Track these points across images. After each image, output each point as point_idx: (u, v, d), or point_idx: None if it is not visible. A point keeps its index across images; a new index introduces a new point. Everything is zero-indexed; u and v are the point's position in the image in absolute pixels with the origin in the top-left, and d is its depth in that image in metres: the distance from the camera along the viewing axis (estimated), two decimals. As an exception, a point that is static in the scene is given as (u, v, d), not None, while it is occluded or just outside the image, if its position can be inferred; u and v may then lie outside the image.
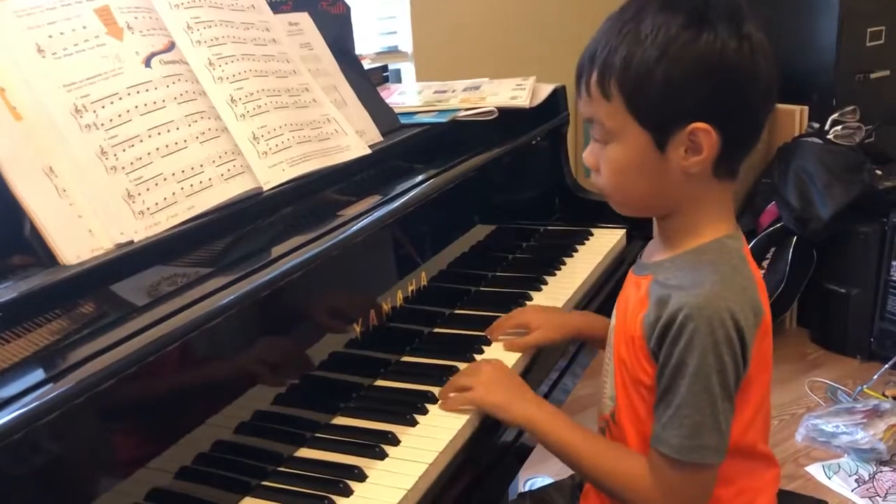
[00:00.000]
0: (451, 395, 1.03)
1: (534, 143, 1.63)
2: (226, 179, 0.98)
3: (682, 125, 0.82)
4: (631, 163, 0.86)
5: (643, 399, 0.90)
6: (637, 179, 0.88)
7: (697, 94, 0.82)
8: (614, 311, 0.98)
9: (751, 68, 0.82)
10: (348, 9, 1.48)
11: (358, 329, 1.08)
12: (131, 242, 0.88)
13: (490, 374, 1.03)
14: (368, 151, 1.20)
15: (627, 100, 0.83)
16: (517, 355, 1.15)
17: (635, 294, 0.92)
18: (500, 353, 1.16)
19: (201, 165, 0.97)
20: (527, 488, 1.95)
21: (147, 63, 0.97)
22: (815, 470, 2.11)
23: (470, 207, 1.42)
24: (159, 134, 0.94)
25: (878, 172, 2.54)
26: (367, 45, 2.30)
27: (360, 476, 0.90)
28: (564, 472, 1.10)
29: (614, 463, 0.91)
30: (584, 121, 0.90)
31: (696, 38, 0.80)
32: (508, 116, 1.48)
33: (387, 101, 1.45)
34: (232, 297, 0.86)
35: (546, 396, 1.16)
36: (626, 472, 0.89)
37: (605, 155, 0.88)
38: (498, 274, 1.47)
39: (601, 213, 1.64)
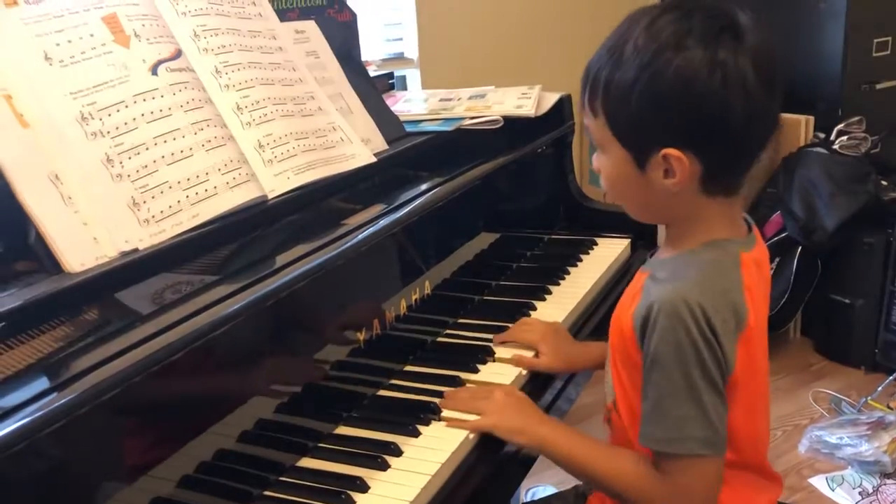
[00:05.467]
0: (463, 417, 1.02)
1: (539, 151, 1.62)
2: (231, 187, 0.98)
3: (656, 150, 0.83)
4: (618, 176, 0.89)
5: (636, 388, 0.91)
6: (625, 191, 0.91)
7: (666, 122, 0.82)
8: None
9: (722, 97, 0.79)
10: (355, 16, 1.48)
11: (361, 338, 1.08)
12: (136, 250, 0.88)
13: (503, 400, 1.03)
14: (374, 160, 1.20)
15: (609, 119, 0.86)
16: (520, 369, 1.15)
17: (633, 287, 0.94)
18: (503, 367, 1.16)
19: (207, 173, 0.97)
20: (529, 498, 1.95)
21: (154, 71, 0.97)
22: (818, 482, 2.10)
23: (474, 216, 1.42)
24: (165, 142, 0.94)
25: (884, 183, 2.53)
26: (373, 51, 2.31)
27: (363, 487, 0.90)
28: (566, 481, 1.09)
29: (621, 468, 0.91)
30: (584, 127, 0.93)
31: (668, 66, 0.80)
32: (514, 125, 1.48)
33: (392, 108, 1.45)
34: (236, 306, 0.86)
35: (550, 405, 1.16)
36: (633, 475, 0.89)
37: (600, 162, 0.91)
38: (502, 283, 1.46)
39: (606, 223, 1.64)
